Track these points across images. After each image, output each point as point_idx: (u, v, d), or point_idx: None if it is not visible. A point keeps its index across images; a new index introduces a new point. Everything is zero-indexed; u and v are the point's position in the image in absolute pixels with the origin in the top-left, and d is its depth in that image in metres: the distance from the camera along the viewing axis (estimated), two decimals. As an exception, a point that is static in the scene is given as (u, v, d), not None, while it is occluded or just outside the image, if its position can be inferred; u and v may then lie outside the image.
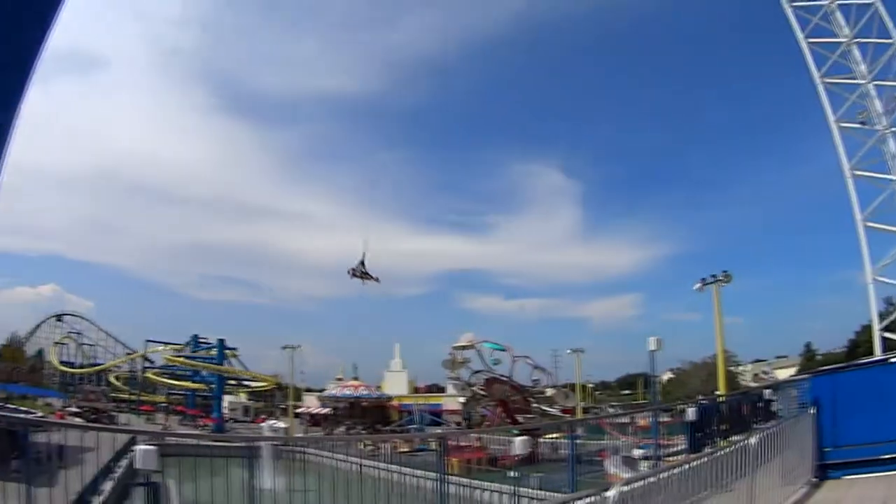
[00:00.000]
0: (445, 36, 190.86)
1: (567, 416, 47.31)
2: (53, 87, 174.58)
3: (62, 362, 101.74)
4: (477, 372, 43.61)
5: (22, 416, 52.35)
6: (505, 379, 42.52)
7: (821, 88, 36.51)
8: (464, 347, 43.08)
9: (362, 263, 42.58)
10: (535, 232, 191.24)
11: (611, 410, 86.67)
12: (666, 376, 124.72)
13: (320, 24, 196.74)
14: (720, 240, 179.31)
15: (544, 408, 46.55)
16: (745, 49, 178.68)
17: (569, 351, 67.26)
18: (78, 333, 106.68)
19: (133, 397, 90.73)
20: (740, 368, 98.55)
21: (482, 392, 45.21)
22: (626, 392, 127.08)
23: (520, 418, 44.29)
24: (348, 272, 42.80)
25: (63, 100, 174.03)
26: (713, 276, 35.57)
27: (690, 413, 12.92)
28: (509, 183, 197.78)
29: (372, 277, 42.81)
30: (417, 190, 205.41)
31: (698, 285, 35.29)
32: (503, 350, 41.85)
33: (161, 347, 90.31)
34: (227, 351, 72.17)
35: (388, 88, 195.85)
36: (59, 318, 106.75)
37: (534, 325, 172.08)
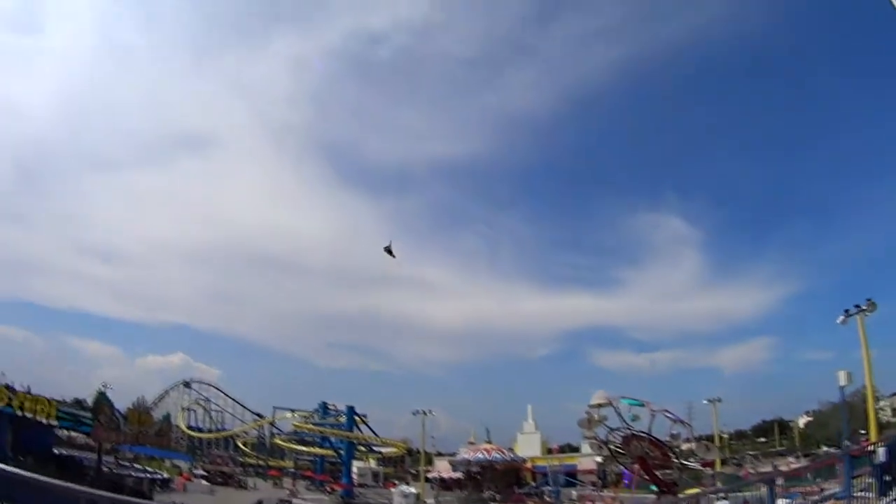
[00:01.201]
0: (545, 92, 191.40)
1: (707, 469, 44.33)
2: (175, 167, 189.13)
3: (190, 427, 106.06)
4: (614, 430, 41.39)
5: (148, 475, 54.73)
6: (643, 435, 40.15)
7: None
8: (600, 405, 41.08)
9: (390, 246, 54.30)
10: (660, 282, 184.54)
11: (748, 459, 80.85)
12: (802, 420, 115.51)
13: (422, 92, 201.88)
14: (848, 270, 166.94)
15: (684, 462, 43.71)
16: (857, 69, 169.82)
17: (705, 401, 63.08)
18: (206, 400, 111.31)
19: (260, 462, 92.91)
20: (881, 403, 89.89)
21: (620, 450, 42.93)
22: (763, 440, 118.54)
23: (659, 474, 41.75)
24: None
25: (185, 179, 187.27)
26: (857, 305, 32.18)
27: (881, 454, 11.16)
28: (630, 235, 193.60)
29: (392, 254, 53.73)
30: (538, 249, 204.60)
31: (841, 318, 31.88)
32: (641, 405, 39.57)
33: (289, 414, 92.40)
34: (357, 417, 72.59)
35: (496, 149, 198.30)
36: (187, 384, 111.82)
37: (665, 377, 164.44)
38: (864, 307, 31.33)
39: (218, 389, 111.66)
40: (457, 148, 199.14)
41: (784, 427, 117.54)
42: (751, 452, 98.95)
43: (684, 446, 45.03)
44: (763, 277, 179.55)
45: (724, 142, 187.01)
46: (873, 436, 31.85)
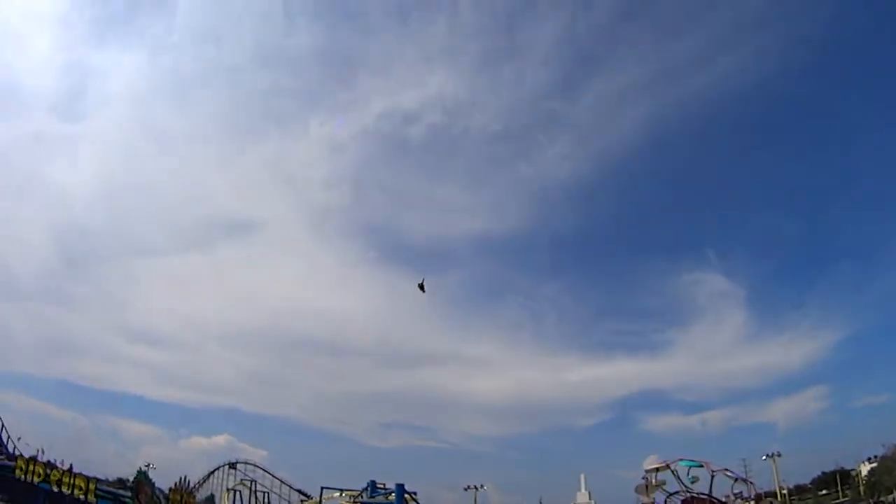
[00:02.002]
0: (578, 158, 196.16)
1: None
2: (217, 251, 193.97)
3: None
4: (673, 493, 40.70)
5: None
6: (704, 497, 39.38)
7: None
8: (657, 469, 40.57)
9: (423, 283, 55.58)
10: (705, 341, 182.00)
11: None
12: (865, 467, 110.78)
13: (456, 168, 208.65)
14: (893, 310, 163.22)
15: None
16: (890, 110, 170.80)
17: (763, 457, 61.23)
18: (252, 481, 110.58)
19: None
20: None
21: (681, 514, 42.06)
22: (825, 492, 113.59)
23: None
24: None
25: (227, 263, 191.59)
26: None
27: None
28: (673, 296, 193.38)
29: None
30: (581, 317, 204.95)
31: None
32: (700, 466, 39.03)
33: (336, 494, 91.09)
34: (407, 495, 71.54)
35: (534, 220, 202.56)
36: (232, 465, 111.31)
37: (717, 437, 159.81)
38: None
39: (264, 470, 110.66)
40: (494, 221, 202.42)
41: (845, 477, 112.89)
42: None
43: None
44: (808, 326, 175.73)
45: (759, 193, 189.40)
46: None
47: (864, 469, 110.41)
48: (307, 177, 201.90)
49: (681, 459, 40.09)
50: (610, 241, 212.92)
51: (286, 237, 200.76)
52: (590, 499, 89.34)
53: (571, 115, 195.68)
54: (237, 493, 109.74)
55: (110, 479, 74.66)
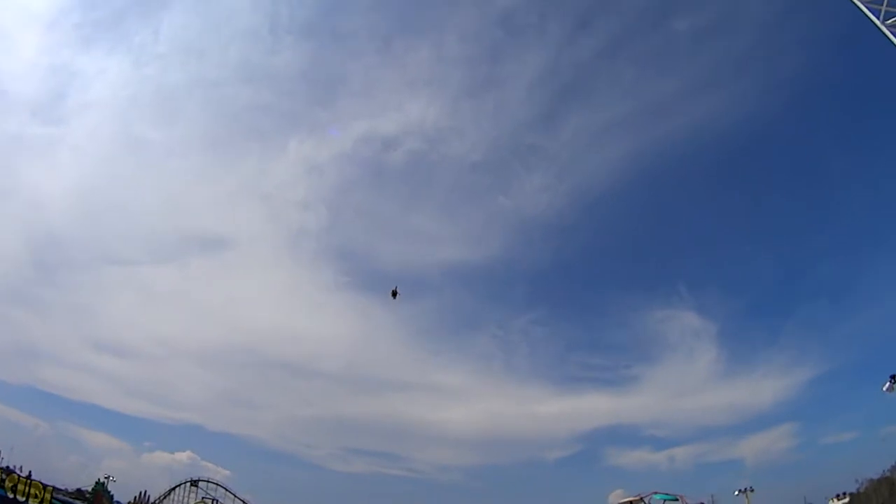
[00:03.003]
0: (556, 192, 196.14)
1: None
2: (190, 266, 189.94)
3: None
4: (646, 528, 39.39)
5: None
6: (678, 533, 38.08)
7: None
8: (631, 502, 39.23)
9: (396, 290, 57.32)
10: (676, 377, 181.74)
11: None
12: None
13: (434, 196, 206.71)
14: (864, 348, 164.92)
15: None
16: (860, 146, 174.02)
17: (736, 492, 59.96)
18: (213, 500, 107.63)
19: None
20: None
21: (653, 550, 40.77)
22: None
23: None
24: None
25: (199, 278, 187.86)
26: None
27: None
28: (644, 331, 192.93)
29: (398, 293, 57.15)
30: (553, 350, 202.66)
31: (887, 385, 30.43)
32: (675, 500, 37.69)
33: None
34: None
35: (509, 252, 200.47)
36: (194, 483, 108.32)
37: (685, 473, 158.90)
38: None
39: (226, 490, 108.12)
40: (470, 251, 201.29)
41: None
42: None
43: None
44: (780, 363, 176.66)
45: (734, 231, 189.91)
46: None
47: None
48: (284, 196, 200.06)
49: (655, 492, 38.81)
50: (584, 275, 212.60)
51: (260, 256, 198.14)
52: None
53: (551, 148, 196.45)
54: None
55: (69, 490, 71.62)
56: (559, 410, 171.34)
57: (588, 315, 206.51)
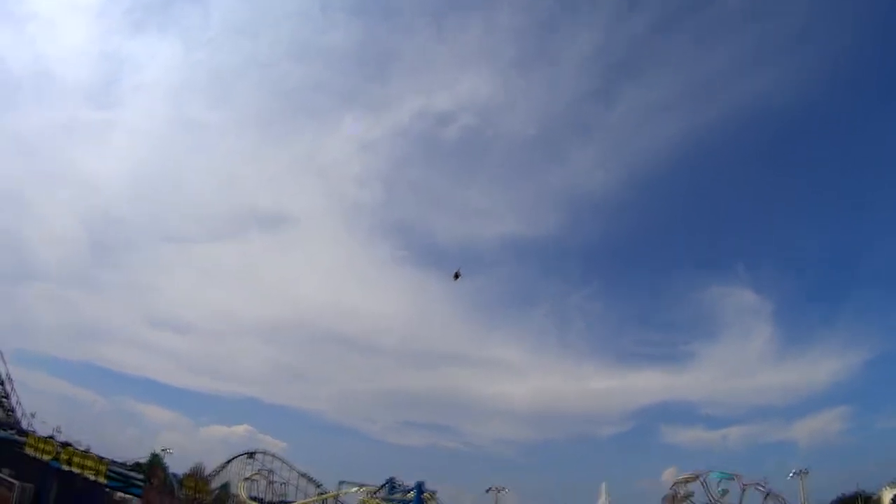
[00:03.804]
0: (610, 168, 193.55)
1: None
2: (247, 242, 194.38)
3: (251, 497, 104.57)
4: (702, 506, 38.40)
5: None
6: (734, 512, 36.99)
7: None
8: (687, 480, 38.27)
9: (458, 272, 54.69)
10: (731, 356, 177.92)
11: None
12: (886, 493, 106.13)
13: (488, 171, 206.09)
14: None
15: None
16: None
17: (790, 474, 57.97)
18: (269, 472, 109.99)
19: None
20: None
21: (708, 529, 39.75)
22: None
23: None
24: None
25: (257, 254, 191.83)
26: None
27: None
28: (700, 308, 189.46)
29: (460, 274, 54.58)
30: (607, 326, 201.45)
31: None
32: (731, 479, 36.56)
33: (355, 489, 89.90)
34: (425, 494, 69.99)
35: (564, 227, 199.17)
36: (251, 455, 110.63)
37: (738, 453, 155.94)
38: None
39: (282, 461, 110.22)
40: (524, 226, 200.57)
41: (867, 501, 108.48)
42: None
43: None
44: (836, 345, 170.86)
45: (791, 209, 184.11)
46: None
47: (887, 494, 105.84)
48: (340, 173, 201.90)
49: (711, 471, 37.71)
50: (638, 252, 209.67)
51: (316, 232, 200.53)
52: None
53: (605, 123, 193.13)
54: (254, 482, 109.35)
55: (128, 463, 74.14)
56: (613, 386, 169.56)
57: (642, 291, 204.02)
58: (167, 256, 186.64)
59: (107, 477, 50.98)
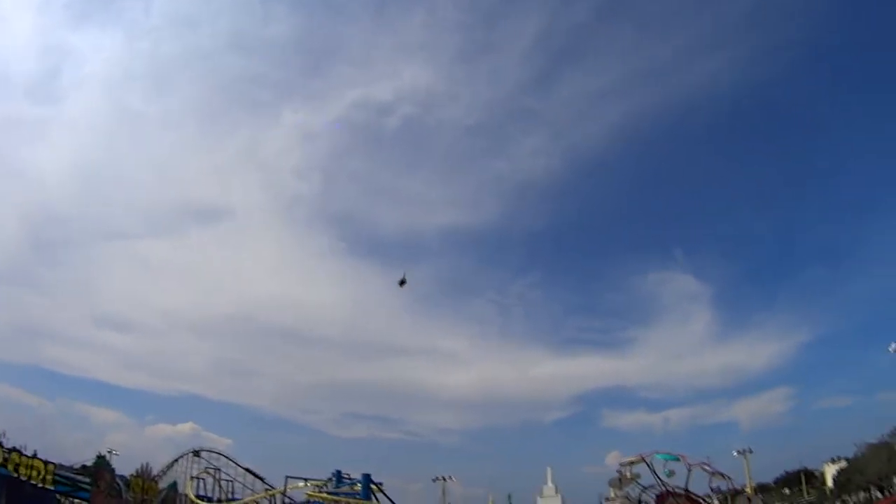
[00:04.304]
0: (552, 155, 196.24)
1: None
2: (187, 237, 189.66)
3: (198, 496, 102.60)
4: (648, 487, 39.56)
5: None
6: (680, 491, 38.36)
7: None
8: (632, 463, 39.36)
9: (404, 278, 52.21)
10: (671, 340, 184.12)
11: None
12: (829, 469, 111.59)
13: (430, 160, 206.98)
14: (860, 313, 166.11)
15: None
16: (858, 110, 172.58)
17: (735, 453, 60.37)
18: (216, 469, 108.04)
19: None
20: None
21: (654, 509, 40.98)
22: (788, 492, 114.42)
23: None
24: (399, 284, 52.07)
25: (197, 249, 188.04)
26: None
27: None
28: (640, 294, 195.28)
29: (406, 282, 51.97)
30: (549, 313, 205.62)
31: (894, 346, 29.50)
32: (677, 460, 37.80)
33: (301, 483, 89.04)
34: (372, 485, 69.85)
35: (505, 216, 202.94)
36: (196, 453, 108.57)
37: (680, 435, 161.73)
38: None
39: (228, 458, 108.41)
40: (466, 215, 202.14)
41: (809, 477, 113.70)
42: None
43: (716, 502, 42.80)
44: (776, 327, 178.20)
45: (730, 195, 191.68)
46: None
47: (829, 470, 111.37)
48: (279, 165, 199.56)
49: (657, 452, 38.84)
50: (579, 239, 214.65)
51: (257, 225, 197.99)
52: (556, 492, 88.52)
53: (546, 111, 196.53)
54: (201, 481, 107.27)
55: (75, 466, 71.84)
56: (556, 373, 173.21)
57: (583, 278, 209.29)
58: (109, 253, 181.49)
59: (54, 482, 49.16)
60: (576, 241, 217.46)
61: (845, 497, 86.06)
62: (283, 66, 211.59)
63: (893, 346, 28.47)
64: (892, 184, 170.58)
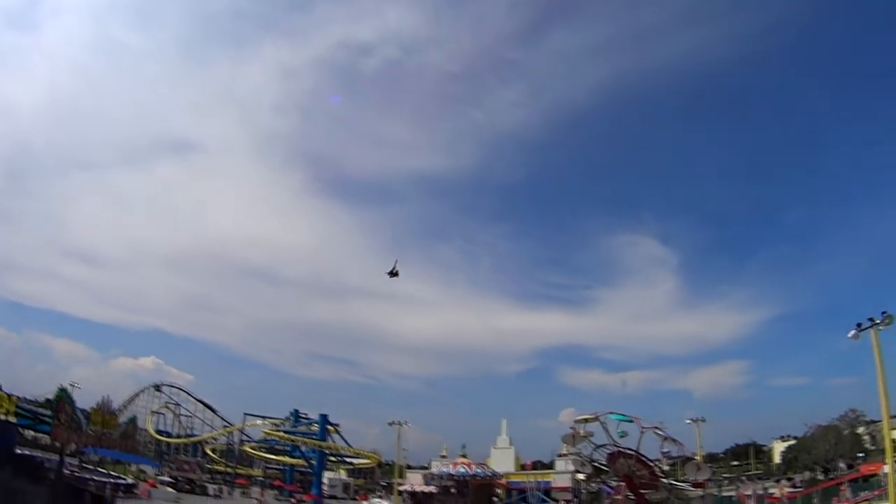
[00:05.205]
0: (532, 109, 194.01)
1: (699, 490, 42.78)
2: (159, 170, 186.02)
3: (158, 431, 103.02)
4: (600, 446, 39.89)
5: (111, 480, 51.96)
6: (631, 453, 38.66)
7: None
8: (586, 420, 39.54)
9: (395, 267, 45.26)
10: (634, 303, 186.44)
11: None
12: (777, 445, 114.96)
13: (409, 105, 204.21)
14: (825, 296, 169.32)
15: (673, 482, 42.25)
16: (840, 98, 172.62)
17: (687, 421, 61.49)
18: (176, 405, 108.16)
19: (229, 470, 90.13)
20: (860, 430, 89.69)
21: (605, 467, 41.52)
22: (736, 463, 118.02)
23: (646, 494, 40.24)
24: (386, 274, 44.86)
25: (169, 183, 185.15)
26: (870, 319, 28.56)
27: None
28: (608, 254, 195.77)
29: (397, 273, 45.06)
30: (516, 265, 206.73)
31: (853, 332, 29.47)
32: (630, 421, 38.00)
33: (260, 421, 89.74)
34: (329, 426, 70.40)
35: (481, 165, 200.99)
36: (157, 388, 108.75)
37: (636, 397, 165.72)
38: (878, 321, 27.83)
39: (189, 394, 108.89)
40: (441, 162, 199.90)
41: (759, 451, 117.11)
42: (726, 475, 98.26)
43: (666, 467, 43.40)
44: (739, 301, 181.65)
45: (706, 165, 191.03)
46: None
47: (778, 447, 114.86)
48: (257, 100, 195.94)
49: (611, 412, 39.09)
50: (553, 194, 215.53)
51: (231, 161, 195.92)
52: (510, 444, 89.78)
53: (529, 65, 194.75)
54: (161, 415, 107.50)
55: (38, 399, 71.30)
56: (518, 326, 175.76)
57: (553, 234, 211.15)
58: (80, 184, 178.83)
59: (16, 414, 48.26)
60: (549, 197, 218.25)
61: (791, 475, 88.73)
62: (266, 1, 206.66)
63: (853, 332, 28.22)
64: (868, 173, 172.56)
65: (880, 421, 52.18)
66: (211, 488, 73.24)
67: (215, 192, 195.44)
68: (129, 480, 58.79)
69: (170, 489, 62.60)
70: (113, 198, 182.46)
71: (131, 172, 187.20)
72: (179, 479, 70.56)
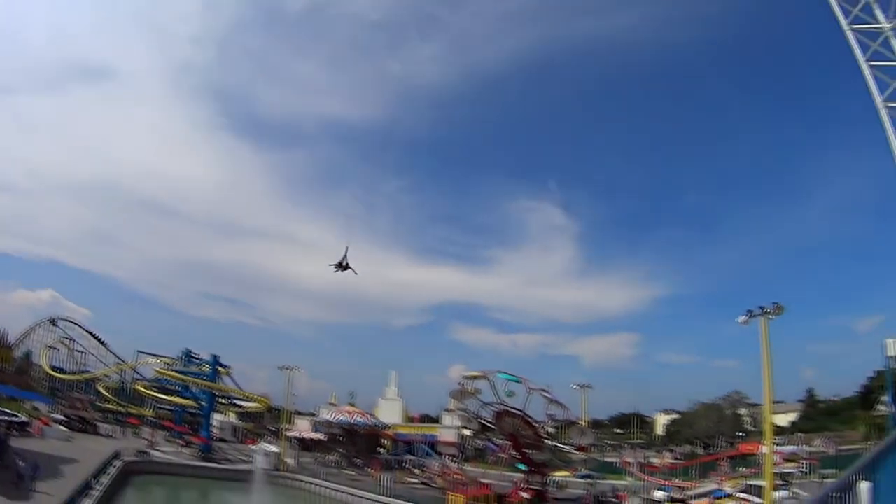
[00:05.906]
0: (448, 67, 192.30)
1: (582, 453, 44.81)
2: (68, 96, 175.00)
3: (52, 367, 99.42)
4: (487, 404, 41.30)
5: (5, 417, 49.95)
6: (517, 412, 40.26)
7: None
8: (475, 377, 40.77)
9: (345, 258, 41.18)
10: (531, 267, 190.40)
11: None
12: (661, 418, 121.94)
13: (325, 48, 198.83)
14: (718, 280, 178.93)
15: (557, 444, 44.19)
16: (746, 87, 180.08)
17: (574, 386, 63.91)
18: (70, 340, 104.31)
19: (120, 408, 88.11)
20: (742, 411, 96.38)
21: (491, 425, 42.99)
22: (619, 431, 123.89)
23: (530, 454, 41.95)
24: (331, 266, 41.04)
25: (76, 109, 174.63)
26: (761, 307, 29.95)
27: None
28: (508, 217, 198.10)
29: (353, 270, 41.17)
30: (416, 219, 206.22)
31: (743, 318, 31.36)
32: (518, 382, 39.50)
33: (152, 360, 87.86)
34: (220, 368, 69.53)
35: (390, 117, 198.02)
36: (53, 322, 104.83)
37: (526, 360, 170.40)
38: (768, 310, 29.43)
39: (84, 329, 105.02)
40: (351, 109, 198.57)
41: (642, 422, 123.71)
42: (609, 442, 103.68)
43: (551, 429, 45.32)
44: (634, 276, 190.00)
45: (614, 141, 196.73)
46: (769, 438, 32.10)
47: (661, 419, 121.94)
48: (175, 30, 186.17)
49: (500, 372, 40.40)
50: (459, 154, 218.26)
51: (140, 89, 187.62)
52: (398, 396, 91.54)
53: (451, 22, 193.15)
54: (55, 351, 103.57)
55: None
56: (414, 279, 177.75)
57: (456, 191, 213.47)
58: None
59: None
60: (455, 155, 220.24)
61: (672, 447, 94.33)
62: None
63: (743, 317, 29.97)
64: (768, 165, 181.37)
65: (762, 405, 56.23)
66: (103, 428, 71.60)
67: (122, 121, 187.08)
68: (23, 418, 56.46)
69: (62, 427, 60.76)
70: (20, 123, 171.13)
71: (39, 96, 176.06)
72: (72, 417, 68.51)
